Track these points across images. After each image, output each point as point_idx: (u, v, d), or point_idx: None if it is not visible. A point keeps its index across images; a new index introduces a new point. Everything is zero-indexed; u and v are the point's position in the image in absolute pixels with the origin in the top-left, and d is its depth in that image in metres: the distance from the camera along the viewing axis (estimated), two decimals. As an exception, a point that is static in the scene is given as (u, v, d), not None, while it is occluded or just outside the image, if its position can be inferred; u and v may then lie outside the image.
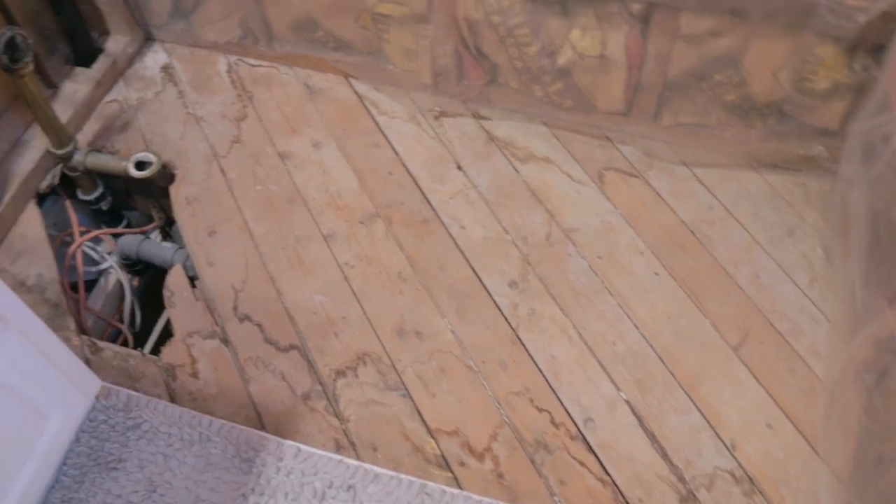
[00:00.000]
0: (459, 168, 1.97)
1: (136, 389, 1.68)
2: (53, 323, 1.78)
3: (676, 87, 1.89)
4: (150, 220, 2.23)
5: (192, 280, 1.87)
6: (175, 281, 1.85)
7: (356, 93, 2.13)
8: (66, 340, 1.75)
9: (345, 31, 2.05)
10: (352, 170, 1.97)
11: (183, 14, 2.17)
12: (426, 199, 1.92)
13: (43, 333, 1.38)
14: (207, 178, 1.99)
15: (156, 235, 2.20)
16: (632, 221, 1.89)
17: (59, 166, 2.00)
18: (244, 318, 1.76)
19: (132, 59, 2.24)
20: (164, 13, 2.18)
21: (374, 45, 2.05)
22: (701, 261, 1.83)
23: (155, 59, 2.26)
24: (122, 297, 2.15)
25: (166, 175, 1.99)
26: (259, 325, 1.75)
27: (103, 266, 2.13)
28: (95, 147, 2.07)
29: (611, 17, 1.77)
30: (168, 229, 2.21)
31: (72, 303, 1.90)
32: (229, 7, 2.09)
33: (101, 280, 2.14)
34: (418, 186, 1.94)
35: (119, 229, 2.15)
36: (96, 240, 2.16)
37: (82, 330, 1.87)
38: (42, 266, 1.88)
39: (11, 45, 1.69)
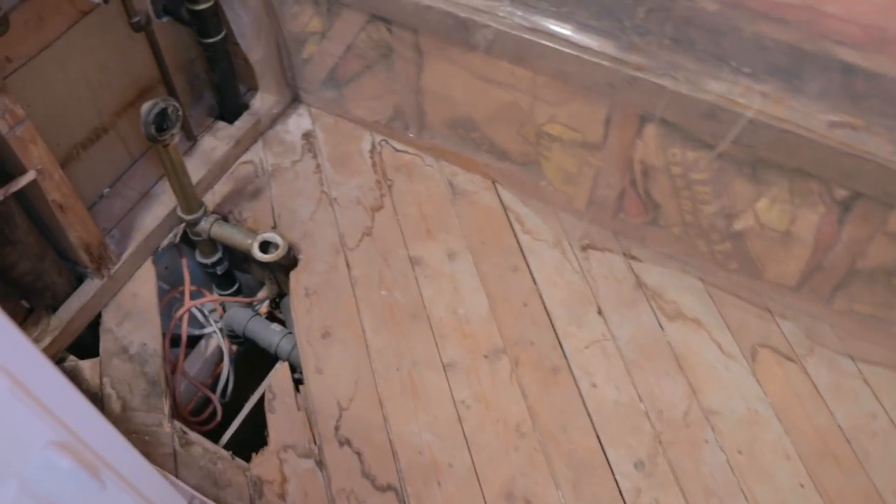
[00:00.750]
0: (600, 313, 1.80)
1: (218, 500, 1.58)
2: (148, 402, 1.69)
3: (861, 276, 1.68)
4: (262, 286, 2.13)
5: (297, 383, 1.75)
6: (279, 382, 1.74)
7: (501, 202, 1.98)
8: (158, 425, 1.66)
9: (503, 139, 1.90)
10: (485, 292, 1.82)
11: (336, 84, 2.06)
12: (559, 342, 1.76)
13: (144, 475, 1.27)
14: (331, 271, 1.87)
15: (264, 307, 2.09)
16: (782, 415, 1.68)
17: (183, 226, 1.91)
18: (345, 442, 1.63)
19: (275, 120, 2.14)
20: (317, 80, 2.07)
21: (531, 157, 1.90)
22: (854, 479, 1.61)
23: (298, 123, 2.15)
24: (218, 363, 2.06)
25: (290, 257, 1.88)
26: (359, 454, 1.62)
27: (206, 330, 2.04)
28: (222, 213, 1.98)
29: (807, 194, 1.58)
30: (278, 301, 2.10)
31: (169, 372, 1.81)
32: (386, 89, 1.97)
33: (202, 343, 2.05)
34: (553, 326, 1.78)
35: (230, 298, 2.05)
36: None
37: (174, 409, 1.78)
38: (147, 334, 1.79)
39: (162, 115, 1.60)
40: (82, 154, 1.83)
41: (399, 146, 2.09)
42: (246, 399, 2.27)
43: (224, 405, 2.03)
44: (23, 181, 1.51)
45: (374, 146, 2.09)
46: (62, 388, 1.00)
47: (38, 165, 1.52)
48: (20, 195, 1.56)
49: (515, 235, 1.92)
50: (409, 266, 1.87)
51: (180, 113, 1.62)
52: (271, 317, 2.12)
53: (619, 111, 1.64)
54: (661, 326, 1.79)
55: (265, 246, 1.83)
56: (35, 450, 0.95)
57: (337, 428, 1.65)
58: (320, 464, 1.61)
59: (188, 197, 1.79)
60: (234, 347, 2.08)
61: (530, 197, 1.96)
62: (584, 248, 1.89)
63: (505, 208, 1.97)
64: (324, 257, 1.89)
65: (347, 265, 1.88)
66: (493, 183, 2.00)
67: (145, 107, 1.58)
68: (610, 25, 1.54)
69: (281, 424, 1.67)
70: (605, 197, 1.83)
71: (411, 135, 2.04)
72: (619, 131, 1.68)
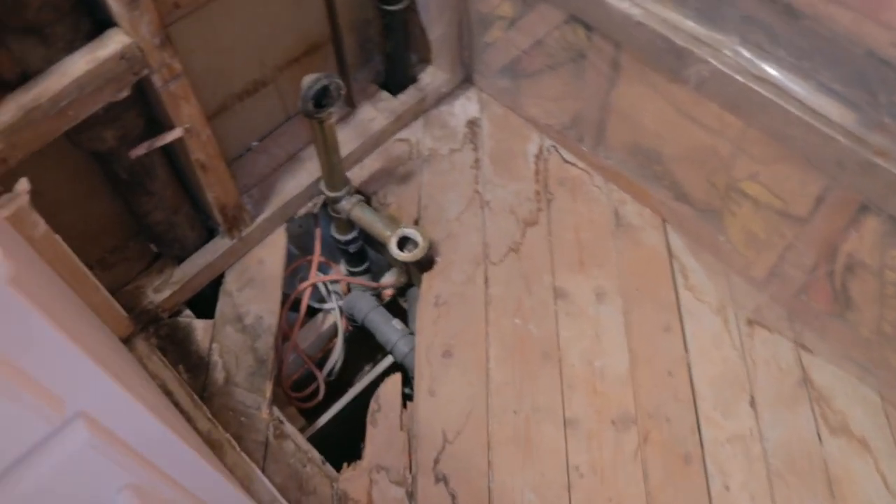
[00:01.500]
0: (752, 404, 1.57)
1: (300, 501, 1.49)
2: (252, 381, 1.62)
3: None
4: (391, 268, 2.01)
5: (405, 398, 1.63)
6: (387, 394, 1.62)
7: (668, 247, 1.75)
8: (256, 408, 1.59)
9: (688, 180, 1.67)
10: (628, 348, 1.63)
11: (514, 74, 1.86)
12: (698, 427, 1.55)
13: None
14: (467, 283, 1.72)
15: (388, 291, 1.97)
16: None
17: (323, 198, 1.79)
18: (441, 479, 1.51)
19: (441, 100, 1.97)
20: (495, 65, 1.88)
21: (715, 207, 1.66)
22: None
23: (465, 107, 1.98)
24: (330, 340, 1.97)
25: (427, 258, 1.74)
26: (453, 496, 1.49)
27: (326, 306, 1.95)
28: (367, 192, 1.85)
29: None
30: (405, 290, 1.98)
31: (280, 340, 1.73)
32: (567, 93, 1.76)
33: (319, 317, 1.96)
34: (695, 406, 1.57)
35: (357, 279, 1.94)
36: (326, 272, 1.98)
37: (278, 380, 1.71)
38: (266, 307, 1.71)
39: (323, 91, 1.46)
40: (237, 105, 1.73)
41: (568, 157, 1.88)
42: (351, 381, 2.19)
43: (328, 384, 1.95)
44: (169, 137, 1.42)
45: (541, 151, 1.90)
46: (145, 424, 0.90)
47: (186, 124, 1.42)
48: (166, 147, 1.48)
49: (676, 289, 1.70)
50: (551, 297, 1.69)
51: (343, 91, 1.48)
52: (394, 304, 2.01)
53: (839, 193, 1.38)
54: (819, 438, 1.55)
55: (403, 241, 1.70)
56: (108, 494, 0.87)
57: (437, 461, 1.52)
58: (411, 496, 1.49)
59: (334, 174, 1.67)
60: (350, 327, 1.98)
61: (703, 249, 1.72)
62: (751, 323, 1.66)
63: (671, 255, 1.74)
64: (463, 266, 1.74)
65: (486, 281, 1.72)
66: (664, 223, 1.78)
67: (307, 80, 1.44)
68: (858, 95, 1.27)
69: (379, 441, 1.56)
70: (790, 275, 1.58)
71: (585, 148, 1.83)
72: (831, 214, 1.42)
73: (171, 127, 1.43)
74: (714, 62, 1.38)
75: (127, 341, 1.64)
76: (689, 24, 1.41)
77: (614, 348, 1.63)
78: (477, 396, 1.59)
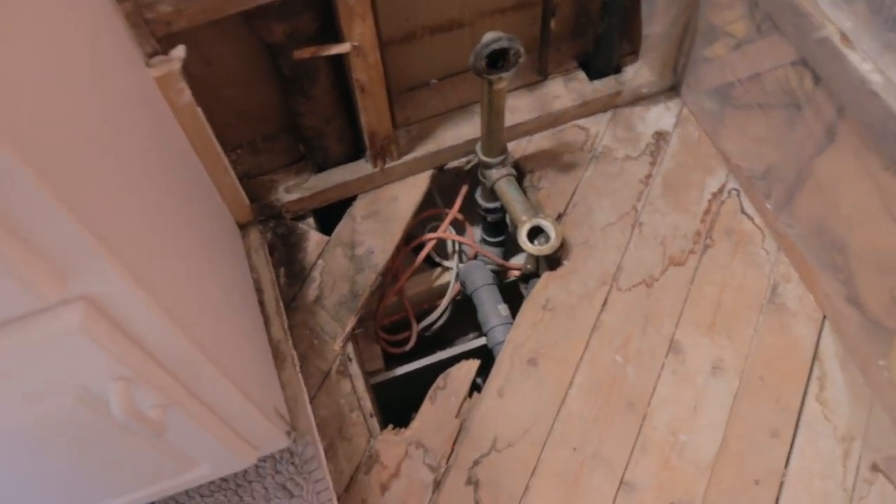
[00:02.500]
0: (838, 554, 1.36)
1: (332, 448, 1.47)
2: (338, 310, 1.60)
3: None
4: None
5: (474, 388, 1.55)
6: (457, 376, 1.55)
7: (817, 348, 1.52)
8: (331, 338, 1.57)
9: (867, 284, 1.42)
10: (723, 435, 1.44)
11: (723, 99, 1.66)
12: (764, 551, 1.36)
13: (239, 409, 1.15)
14: (583, 299, 1.58)
15: (514, 273, 1.88)
16: None
17: (477, 163, 1.71)
18: (472, 483, 1.42)
19: (638, 101, 1.80)
20: (706, 83, 1.69)
21: (888, 324, 1.41)
22: None
23: (660, 117, 1.80)
24: (438, 297, 1.91)
25: (554, 257, 1.62)
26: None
27: (446, 263, 1.89)
28: (523, 168, 1.74)
29: None
30: (529, 278, 1.87)
31: (390, 278, 1.71)
32: (770, 140, 1.54)
33: (436, 271, 1.90)
34: (770, 528, 1.38)
35: (486, 252, 1.85)
36: (459, 230, 1.91)
37: (370, 316, 1.69)
38: (381, 243, 1.67)
39: (500, 54, 1.36)
40: (426, 37, 1.67)
41: (748, 207, 1.67)
42: (450, 342, 2.14)
43: (422, 338, 1.90)
44: (334, 50, 1.38)
45: (721, 190, 1.69)
46: (158, 324, 0.87)
47: (355, 42, 1.37)
48: (335, 57, 1.45)
49: (805, 395, 1.48)
50: (664, 347, 1.53)
51: (521, 58, 1.37)
52: (513, 288, 1.91)
53: None
54: None
55: (536, 231, 1.59)
56: (101, 381, 0.86)
57: (476, 463, 1.44)
58: (437, 485, 1.43)
59: (492, 140, 1.57)
60: (460, 290, 1.92)
61: (854, 365, 1.48)
62: (875, 469, 1.41)
63: (815, 358, 1.51)
64: (586, 280, 1.61)
65: (604, 304, 1.58)
66: (823, 319, 1.54)
67: (488, 36, 1.35)
68: None
69: (431, 419, 1.50)
70: (945, 434, 1.33)
71: (768, 205, 1.61)
72: None
73: (341, 40, 1.39)
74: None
75: (243, 227, 1.67)
76: (934, 114, 1.17)
77: (708, 429, 1.45)
78: (543, 417, 1.48)
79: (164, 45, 1.25)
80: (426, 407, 1.52)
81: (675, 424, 1.46)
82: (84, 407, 0.89)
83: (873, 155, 1.29)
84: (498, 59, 1.37)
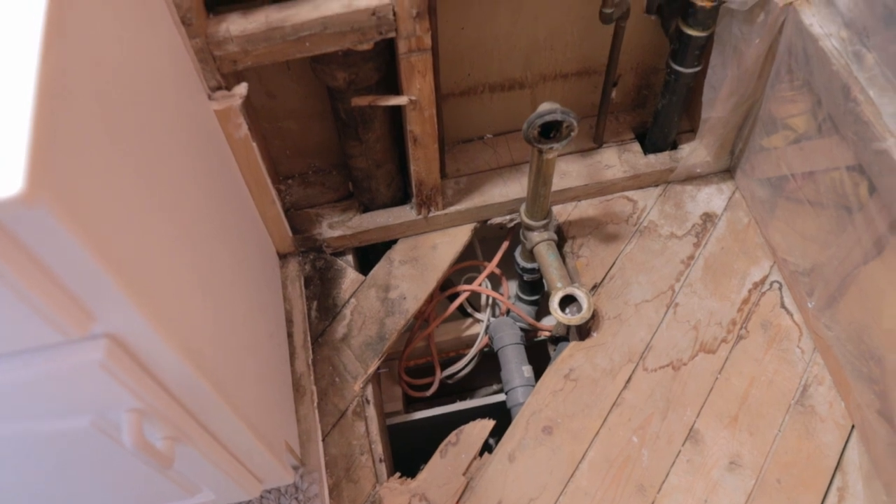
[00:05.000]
0: None
1: (337, 489, 1.48)
2: (362, 351, 1.61)
3: None
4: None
5: (485, 448, 1.55)
6: (471, 433, 1.54)
7: (841, 457, 1.46)
8: (353, 377, 1.59)
9: (901, 400, 1.39)
10: (730, 534, 1.42)
11: (776, 191, 1.64)
12: None
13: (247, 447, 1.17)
14: (607, 375, 1.57)
15: (545, 333, 1.87)
16: None
17: (520, 222, 1.71)
18: (471, 545, 1.42)
19: (691, 179, 1.79)
20: (761, 172, 1.66)
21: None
22: None
23: (711, 198, 1.78)
24: (465, 347, 1.92)
25: (584, 328, 1.62)
26: (473, 569, 1.40)
27: (477, 315, 1.89)
28: (566, 234, 1.74)
29: None
30: (559, 341, 1.86)
31: (420, 323, 1.73)
32: (820, 240, 1.51)
33: (466, 321, 1.91)
34: None
35: (519, 311, 1.85)
36: (495, 285, 1.91)
37: (399, 363, 1.71)
38: (415, 289, 1.68)
39: (553, 126, 1.37)
40: (486, 94, 1.69)
41: (789, 303, 1.64)
42: (472, 391, 2.14)
43: (441, 387, 1.90)
44: (392, 101, 1.41)
45: (763, 281, 1.67)
46: (175, 364, 0.90)
47: (413, 96, 1.40)
48: (393, 106, 1.48)
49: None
50: (683, 434, 1.51)
51: (573, 132, 1.38)
52: (541, 348, 1.91)
53: None
54: None
55: (568, 299, 1.58)
56: (112, 410, 0.89)
57: (477, 525, 1.44)
58: (436, 542, 1.43)
59: (537, 205, 1.58)
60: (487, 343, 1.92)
61: (879, 481, 1.44)
62: None
63: (839, 466, 1.47)
64: (612, 355, 1.59)
65: (628, 382, 1.56)
66: (852, 428, 1.50)
67: (543, 107, 1.36)
68: None
69: (438, 473, 1.50)
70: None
71: (810, 304, 1.58)
72: None
73: (399, 92, 1.42)
74: None
75: (283, 258, 1.70)
76: None
77: (716, 526, 1.43)
78: (551, 487, 1.46)
79: (228, 80, 1.29)
80: (435, 460, 1.52)
81: (684, 516, 1.43)
82: (98, 431, 0.92)
83: (919, 274, 1.26)
84: (551, 130, 1.38)
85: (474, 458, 1.52)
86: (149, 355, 0.85)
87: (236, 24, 1.22)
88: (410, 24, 1.28)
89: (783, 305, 1.64)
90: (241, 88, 1.30)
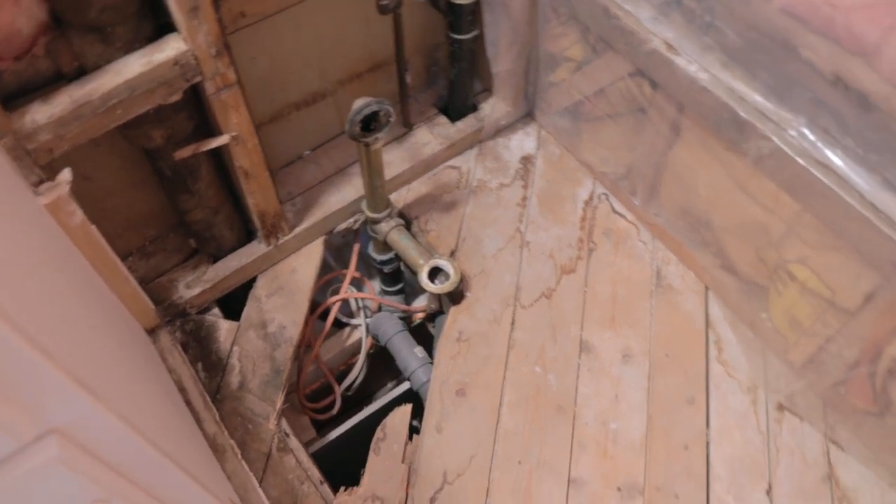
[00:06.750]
0: (769, 492, 1.50)
1: (292, 524, 1.49)
2: (264, 390, 1.62)
3: None
4: (424, 292, 1.99)
5: (412, 431, 1.62)
6: (394, 424, 1.60)
7: (707, 315, 1.69)
8: (264, 418, 1.59)
9: (736, 251, 1.61)
10: (647, 414, 1.58)
11: (575, 117, 1.82)
12: (708, 509, 1.49)
13: None
14: (493, 323, 1.69)
15: (419, 315, 1.96)
16: None
17: (364, 217, 1.79)
18: (435, 521, 1.49)
19: (499, 132, 1.95)
20: (557, 105, 1.85)
21: (761, 281, 1.59)
22: None
23: (522, 143, 1.95)
24: (353, 355, 1.96)
25: (456, 292, 1.72)
26: (444, 539, 1.47)
27: (353, 321, 1.95)
28: (409, 216, 1.84)
29: None
30: (434, 317, 1.96)
31: (303, 350, 1.75)
32: (624, 144, 1.71)
33: (345, 331, 1.96)
34: (707, 486, 1.51)
35: (389, 301, 1.92)
36: (359, 287, 1.97)
37: (293, 388, 1.72)
38: (290, 317, 1.71)
39: (372, 117, 1.46)
40: (293, 114, 1.74)
41: (619, 207, 1.84)
42: (371, 397, 2.19)
43: (346, 398, 1.94)
44: (214, 143, 1.44)
45: (591, 197, 1.85)
46: (122, 439, 0.90)
47: (234, 132, 1.43)
48: (214, 148, 1.50)
49: (707, 361, 1.64)
50: (576, 350, 1.65)
51: (391, 118, 1.47)
52: (422, 330, 1.99)
53: (891, 294, 1.31)
54: (836, 540, 1.48)
55: (435, 271, 1.68)
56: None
57: (433, 500, 1.50)
58: (402, 532, 1.48)
59: (376, 197, 1.66)
60: (374, 346, 1.98)
61: (742, 324, 1.66)
62: (781, 409, 1.58)
63: (708, 324, 1.68)
64: (491, 305, 1.71)
65: (512, 323, 1.69)
66: (706, 290, 1.72)
67: (358, 103, 1.44)
68: (923, 198, 1.20)
69: (379, 470, 1.55)
70: (829, 366, 1.51)
71: (636, 202, 1.78)
72: (880, 314, 1.34)
73: (218, 133, 1.44)
74: (776, 140, 1.32)
75: (152, 332, 1.67)
76: (757, 98, 1.36)
77: (632, 413, 1.58)
78: (484, 441, 1.56)
79: (46, 171, 1.26)
80: (372, 460, 1.57)
81: (603, 416, 1.58)
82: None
83: (715, 140, 1.47)
84: (370, 122, 1.47)
85: (406, 444, 1.58)
86: (100, 441, 0.85)
87: (41, 112, 1.20)
88: (212, 64, 1.31)
89: (615, 211, 1.83)
90: (66, 174, 1.27)
